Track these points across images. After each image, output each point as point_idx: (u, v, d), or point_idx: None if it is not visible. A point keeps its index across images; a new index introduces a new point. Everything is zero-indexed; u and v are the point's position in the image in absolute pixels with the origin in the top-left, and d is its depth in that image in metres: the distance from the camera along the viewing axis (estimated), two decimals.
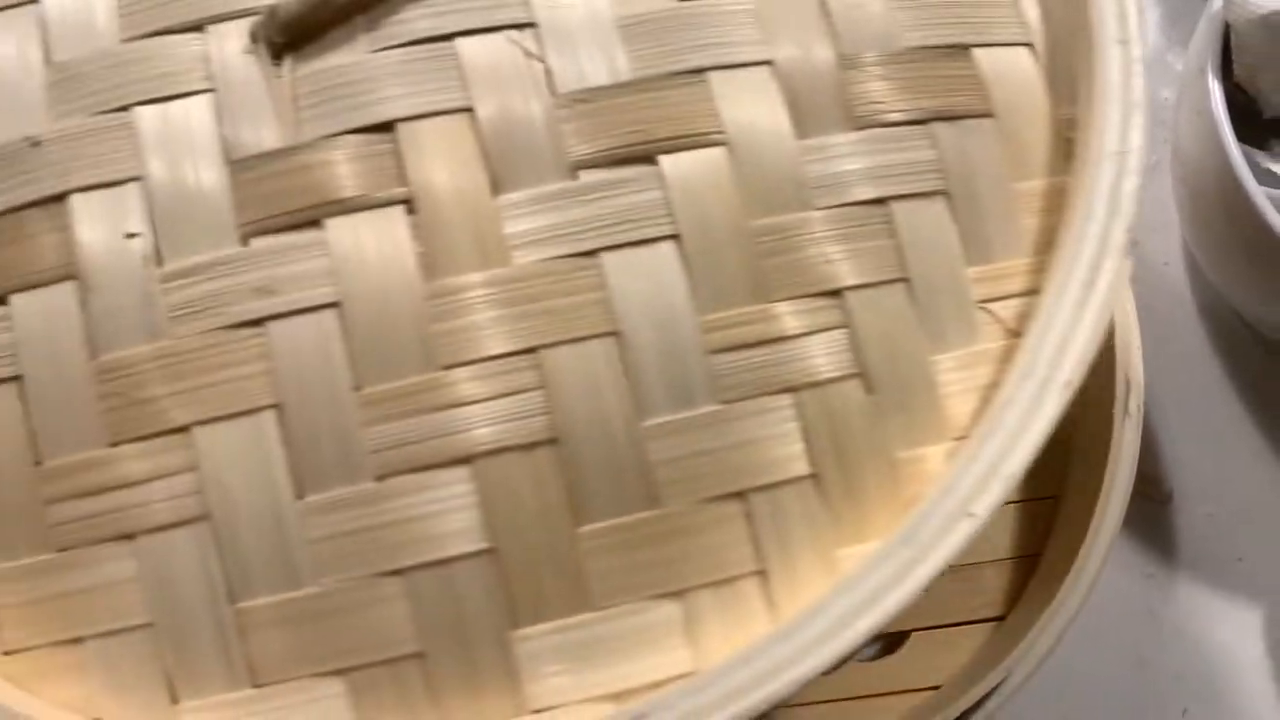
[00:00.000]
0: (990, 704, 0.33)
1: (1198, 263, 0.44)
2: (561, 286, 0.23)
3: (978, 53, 0.26)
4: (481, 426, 0.23)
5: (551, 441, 0.23)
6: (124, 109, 0.24)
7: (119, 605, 0.23)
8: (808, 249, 0.24)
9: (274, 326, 0.23)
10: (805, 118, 0.25)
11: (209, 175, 0.24)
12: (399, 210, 0.23)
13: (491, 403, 0.23)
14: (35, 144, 0.24)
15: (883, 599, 0.22)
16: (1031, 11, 0.27)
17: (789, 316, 0.24)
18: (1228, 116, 0.38)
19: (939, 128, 0.25)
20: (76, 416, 0.23)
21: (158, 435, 0.23)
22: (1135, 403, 0.35)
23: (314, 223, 0.23)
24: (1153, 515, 0.43)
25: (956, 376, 0.24)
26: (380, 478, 0.23)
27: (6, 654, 0.23)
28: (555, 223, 0.24)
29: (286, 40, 0.24)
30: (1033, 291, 0.25)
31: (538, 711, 0.23)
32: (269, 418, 0.23)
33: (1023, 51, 0.26)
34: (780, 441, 0.23)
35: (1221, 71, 0.39)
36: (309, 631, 0.23)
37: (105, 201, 0.24)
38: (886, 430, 0.24)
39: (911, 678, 0.35)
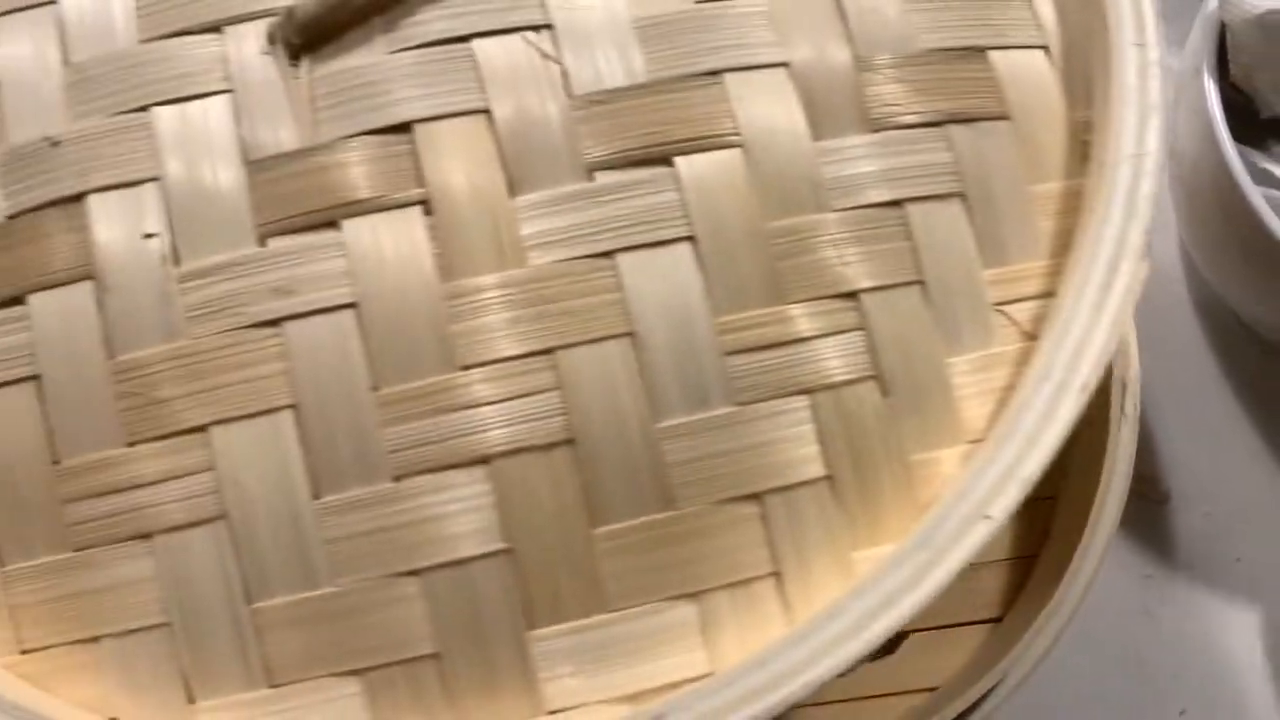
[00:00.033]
0: (987, 705, 0.33)
1: (1194, 262, 0.44)
2: (578, 287, 0.23)
3: (993, 55, 0.26)
4: (498, 427, 0.23)
5: (568, 442, 0.23)
6: (142, 109, 0.24)
7: (136, 604, 0.23)
8: (824, 251, 0.24)
9: (291, 327, 0.23)
10: (821, 119, 0.25)
11: (227, 176, 0.24)
12: (416, 211, 0.24)
13: (508, 403, 0.23)
14: (54, 144, 0.24)
15: (899, 601, 0.22)
16: (1047, 14, 0.27)
17: (805, 318, 0.24)
18: (1224, 116, 0.38)
19: (955, 130, 0.25)
20: (94, 416, 0.23)
21: (175, 435, 0.23)
22: (1132, 403, 0.35)
23: (331, 223, 0.23)
24: (1150, 515, 0.43)
25: (972, 379, 0.24)
26: (397, 478, 0.23)
27: (24, 653, 0.23)
28: (571, 224, 0.24)
29: (304, 41, 0.24)
30: (1048, 294, 0.25)
31: (554, 712, 0.23)
32: (286, 418, 0.23)
33: (1038, 54, 0.26)
34: (795, 443, 0.23)
35: (1218, 71, 0.39)
36: (325, 631, 0.23)
37: (123, 201, 0.24)
38: (902, 433, 0.24)
39: (908, 679, 0.35)
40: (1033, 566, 0.36)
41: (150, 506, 0.23)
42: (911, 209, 0.25)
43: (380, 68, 0.24)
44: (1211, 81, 0.38)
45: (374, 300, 0.23)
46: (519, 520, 0.23)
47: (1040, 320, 0.24)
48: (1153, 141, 0.24)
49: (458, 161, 0.24)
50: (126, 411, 0.23)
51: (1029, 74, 0.26)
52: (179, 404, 0.23)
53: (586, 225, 0.24)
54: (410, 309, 0.23)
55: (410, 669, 0.23)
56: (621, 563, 0.23)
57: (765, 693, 0.21)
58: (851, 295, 0.24)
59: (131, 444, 0.23)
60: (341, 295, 0.23)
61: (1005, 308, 0.25)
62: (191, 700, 0.23)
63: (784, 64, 0.25)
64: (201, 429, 0.23)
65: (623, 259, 0.24)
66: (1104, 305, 0.23)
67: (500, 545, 0.23)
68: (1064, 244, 0.25)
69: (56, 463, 0.23)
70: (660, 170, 0.24)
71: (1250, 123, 0.40)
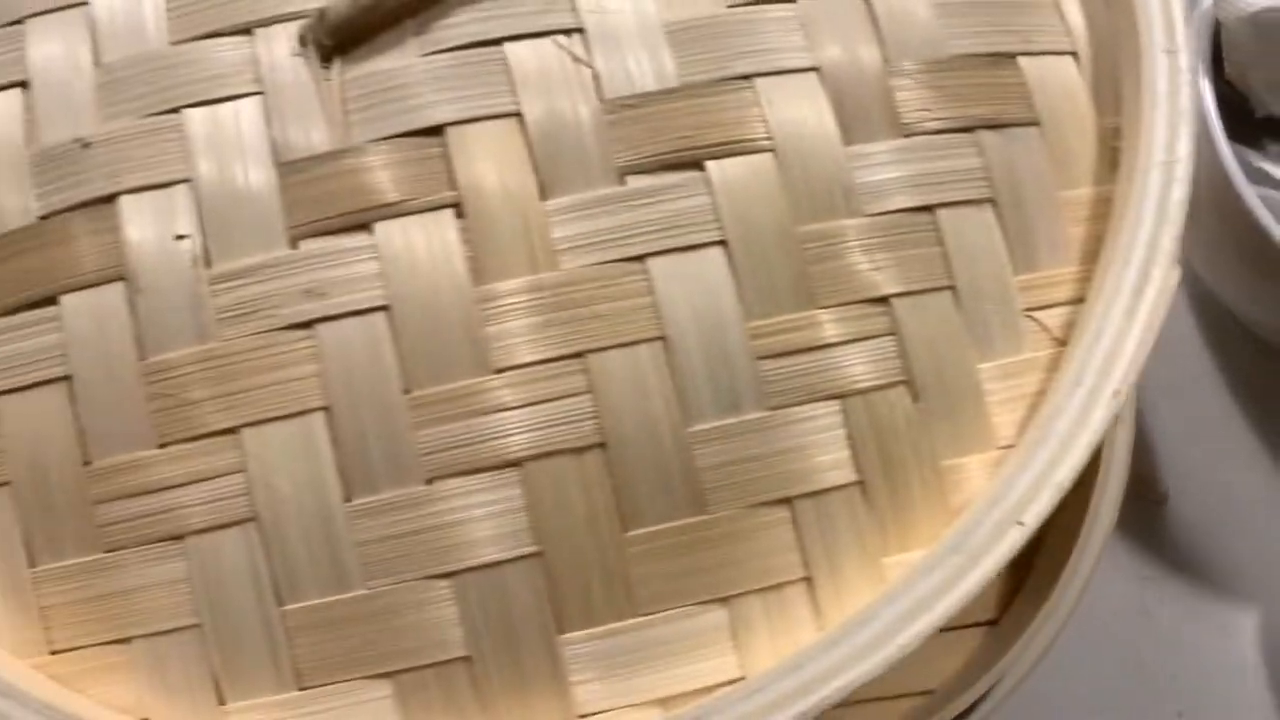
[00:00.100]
0: (984, 708, 0.33)
1: (1190, 262, 0.44)
2: (609, 291, 0.23)
3: (1023, 61, 0.26)
4: (530, 430, 0.23)
5: (599, 446, 0.23)
6: (173, 111, 0.24)
7: (167, 606, 0.23)
8: (854, 255, 0.24)
9: (323, 329, 0.23)
10: (852, 124, 0.25)
11: (258, 177, 0.24)
12: (448, 214, 0.24)
13: (539, 406, 0.23)
14: (85, 145, 0.24)
15: (932, 606, 0.22)
16: (1075, 20, 0.27)
17: (835, 323, 0.24)
18: (1219, 115, 0.38)
19: (985, 135, 0.25)
20: (125, 417, 0.23)
21: (206, 436, 0.23)
22: (1129, 403, 0.35)
23: (363, 226, 0.23)
24: (1148, 516, 0.43)
25: (1003, 385, 0.24)
26: (429, 481, 0.23)
27: (54, 653, 0.23)
28: (603, 228, 0.24)
29: (335, 43, 0.24)
30: (1078, 300, 0.25)
31: (584, 716, 0.23)
32: (318, 420, 0.23)
33: (1067, 60, 0.26)
34: (826, 448, 0.23)
35: (1212, 70, 0.39)
36: (356, 634, 0.23)
37: (155, 203, 0.24)
38: (932, 438, 0.24)
39: (904, 682, 0.35)
40: (1030, 568, 0.36)
41: (181, 508, 0.23)
42: (942, 214, 0.25)
43: (412, 70, 0.24)
44: (1206, 80, 0.38)
45: (406, 303, 0.23)
46: (550, 524, 0.23)
47: (1070, 326, 0.24)
48: (1184, 148, 0.24)
49: (489, 165, 0.24)
50: (158, 413, 0.23)
51: (1058, 80, 0.26)
52: (210, 405, 0.23)
53: (618, 229, 0.24)
54: (442, 312, 0.23)
55: (441, 672, 0.23)
56: (652, 567, 0.23)
57: (798, 697, 0.21)
58: (882, 300, 0.24)
59: (163, 445, 0.23)
60: (373, 298, 0.23)
61: (1036, 313, 0.25)
62: (222, 702, 0.23)
63: (815, 68, 0.25)
64: (233, 431, 0.23)
65: (654, 263, 0.24)
66: (1136, 311, 0.23)
67: (532, 548, 0.23)
68: (1093, 250, 0.25)
69: (88, 464, 0.23)
70: (691, 174, 0.24)
71: (1245, 121, 0.40)
